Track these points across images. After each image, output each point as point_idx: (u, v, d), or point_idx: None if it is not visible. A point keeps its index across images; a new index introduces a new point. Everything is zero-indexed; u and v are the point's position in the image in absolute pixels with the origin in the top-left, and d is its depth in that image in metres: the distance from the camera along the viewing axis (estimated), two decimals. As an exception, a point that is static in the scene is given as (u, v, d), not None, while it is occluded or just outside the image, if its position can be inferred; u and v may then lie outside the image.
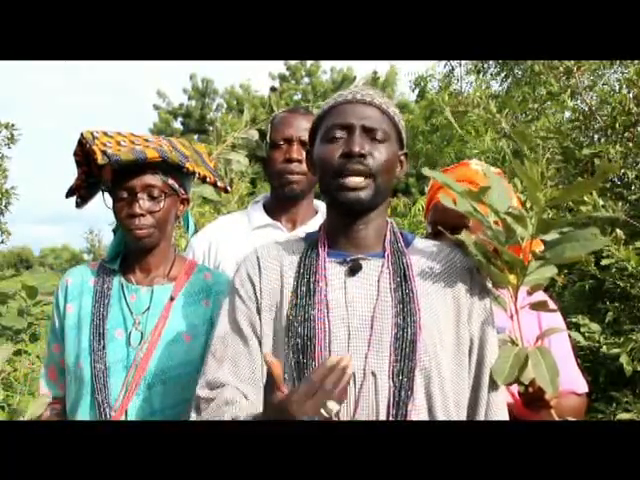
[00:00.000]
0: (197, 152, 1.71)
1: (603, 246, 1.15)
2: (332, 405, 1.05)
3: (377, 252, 1.27)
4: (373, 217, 1.26)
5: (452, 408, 1.17)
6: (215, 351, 1.25)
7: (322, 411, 1.04)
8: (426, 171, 1.22)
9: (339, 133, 1.23)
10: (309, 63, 13.95)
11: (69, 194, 1.67)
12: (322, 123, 1.28)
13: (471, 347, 1.22)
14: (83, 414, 1.48)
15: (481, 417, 1.20)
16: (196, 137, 14.12)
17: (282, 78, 14.19)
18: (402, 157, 1.32)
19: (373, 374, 1.14)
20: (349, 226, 1.26)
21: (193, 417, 1.23)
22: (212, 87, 15.17)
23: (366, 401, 1.13)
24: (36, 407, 1.29)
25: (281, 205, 1.95)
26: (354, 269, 1.23)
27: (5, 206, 5.21)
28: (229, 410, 1.17)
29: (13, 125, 5.33)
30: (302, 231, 1.83)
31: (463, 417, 1.20)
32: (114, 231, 1.70)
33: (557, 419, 1.26)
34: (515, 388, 1.28)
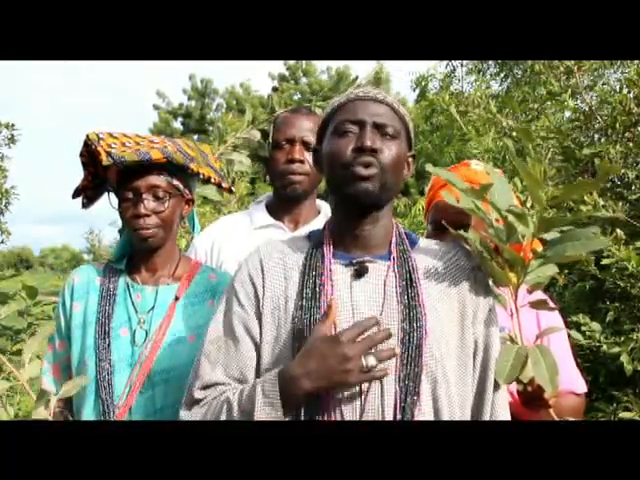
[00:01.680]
0: (203, 153, 1.72)
1: (604, 246, 1.14)
2: (371, 359, 1.09)
3: (383, 254, 1.26)
4: (380, 217, 1.26)
5: (457, 411, 1.17)
6: (209, 353, 1.25)
7: (362, 359, 1.09)
8: (430, 168, 1.23)
9: (350, 127, 1.23)
10: (304, 63, 13.91)
11: (75, 195, 1.68)
12: (332, 120, 1.27)
13: (475, 350, 1.21)
14: (87, 411, 1.50)
15: (486, 419, 1.19)
16: (196, 137, 14.12)
17: (282, 78, 14.19)
18: (409, 159, 1.32)
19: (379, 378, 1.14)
20: (356, 225, 1.25)
21: (183, 415, 1.22)
22: (212, 87, 15.17)
23: (372, 405, 1.13)
24: (70, 387, 1.28)
25: (283, 205, 1.95)
26: (360, 272, 1.22)
27: (5, 206, 5.21)
28: (227, 391, 1.19)
29: (13, 125, 5.32)
30: (304, 231, 1.84)
31: (467, 418, 1.19)
32: (120, 232, 1.71)
33: (556, 419, 1.26)
34: (514, 387, 1.28)
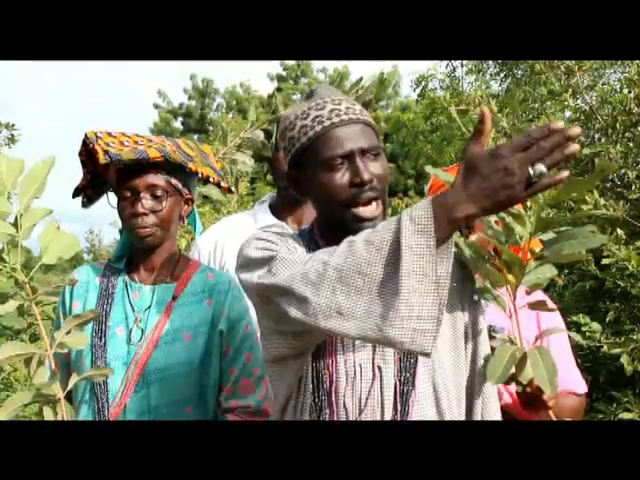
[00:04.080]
0: (203, 153, 1.72)
1: (601, 244, 1.14)
2: (540, 167, 0.93)
3: None
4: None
5: (454, 401, 1.20)
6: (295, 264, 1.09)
7: (529, 168, 0.93)
8: (429, 169, 1.23)
9: (339, 161, 1.19)
10: (302, 63, 13.90)
11: (75, 194, 1.68)
12: (311, 149, 1.22)
13: (466, 339, 1.24)
14: (83, 409, 1.51)
15: (478, 408, 1.23)
16: (196, 137, 14.12)
17: (280, 79, 14.18)
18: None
19: (379, 368, 1.16)
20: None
21: (309, 291, 1.03)
22: (212, 87, 15.17)
23: (372, 395, 1.15)
24: (94, 373, 1.28)
25: (287, 206, 1.96)
26: None
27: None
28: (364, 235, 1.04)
29: (13, 125, 5.33)
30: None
31: (463, 409, 1.23)
32: (120, 232, 1.71)
33: (555, 419, 1.26)
34: (513, 388, 1.28)
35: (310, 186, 1.24)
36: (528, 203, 1.17)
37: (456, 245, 1.25)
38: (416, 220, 0.97)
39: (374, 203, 1.19)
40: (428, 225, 0.96)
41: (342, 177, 1.18)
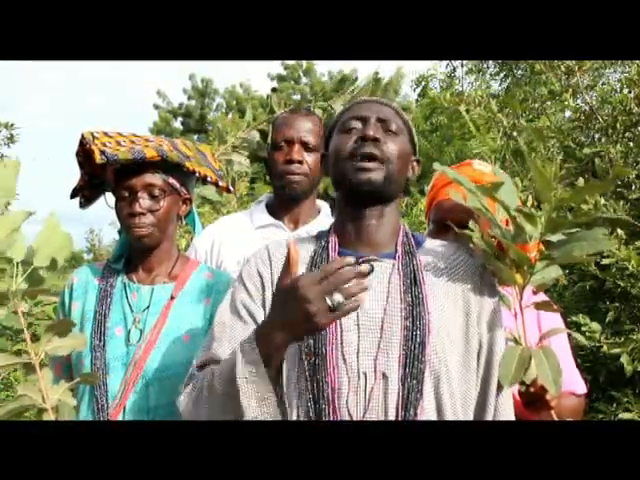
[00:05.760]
0: (201, 153, 1.72)
1: (611, 247, 1.15)
2: (337, 296, 1.02)
3: (388, 252, 1.26)
4: (385, 212, 1.27)
5: (459, 410, 1.17)
6: (214, 334, 1.25)
7: (327, 299, 1.02)
8: (437, 166, 1.24)
9: (354, 124, 1.27)
10: (304, 63, 13.88)
11: (73, 195, 1.68)
12: (338, 122, 1.32)
13: (480, 349, 1.21)
14: (83, 409, 1.50)
15: (489, 419, 1.20)
16: (196, 137, 14.11)
17: (280, 78, 14.17)
18: (414, 162, 1.34)
19: (384, 375, 1.14)
20: (360, 220, 1.26)
21: (179, 398, 1.21)
22: (212, 87, 15.16)
23: (376, 402, 1.13)
24: (84, 379, 1.29)
25: (283, 205, 1.96)
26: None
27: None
28: (209, 369, 1.17)
29: (12, 125, 5.32)
30: (304, 231, 1.84)
31: (470, 416, 1.20)
32: (119, 232, 1.71)
33: (556, 419, 1.26)
34: (515, 388, 1.28)
35: (330, 154, 1.31)
36: (529, 203, 1.17)
37: (470, 241, 1.24)
38: (246, 351, 1.09)
39: (374, 163, 1.22)
40: (254, 356, 1.07)
41: (352, 137, 1.26)
